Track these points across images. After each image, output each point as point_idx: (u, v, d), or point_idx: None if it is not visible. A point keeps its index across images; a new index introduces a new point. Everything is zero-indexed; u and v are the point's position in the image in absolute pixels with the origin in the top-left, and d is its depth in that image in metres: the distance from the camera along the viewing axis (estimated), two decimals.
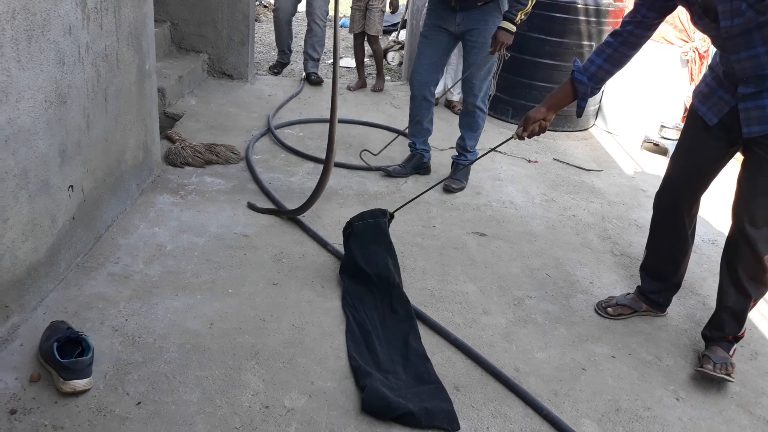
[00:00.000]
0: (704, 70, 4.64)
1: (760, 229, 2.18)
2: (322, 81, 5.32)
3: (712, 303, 2.79)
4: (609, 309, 2.62)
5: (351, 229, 2.59)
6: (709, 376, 2.26)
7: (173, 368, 2.03)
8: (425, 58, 3.43)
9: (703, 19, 2.05)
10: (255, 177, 3.37)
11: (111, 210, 2.76)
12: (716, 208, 3.53)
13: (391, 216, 2.62)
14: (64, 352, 1.89)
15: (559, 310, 2.62)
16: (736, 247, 2.26)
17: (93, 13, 2.39)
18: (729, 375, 2.26)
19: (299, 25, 7.79)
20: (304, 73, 5.43)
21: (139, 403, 1.87)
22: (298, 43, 6.31)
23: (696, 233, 3.26)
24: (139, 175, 3.04)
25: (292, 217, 2.98)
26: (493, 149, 2.88)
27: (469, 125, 3.59)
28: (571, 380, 2.22)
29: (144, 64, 2.97)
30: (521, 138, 2.40)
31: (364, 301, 2.46)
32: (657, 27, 2.27)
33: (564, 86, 2.38)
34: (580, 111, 2.41)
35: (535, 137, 2.39)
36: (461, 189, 3.57)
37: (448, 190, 3.54)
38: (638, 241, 3.27)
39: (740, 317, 2.35)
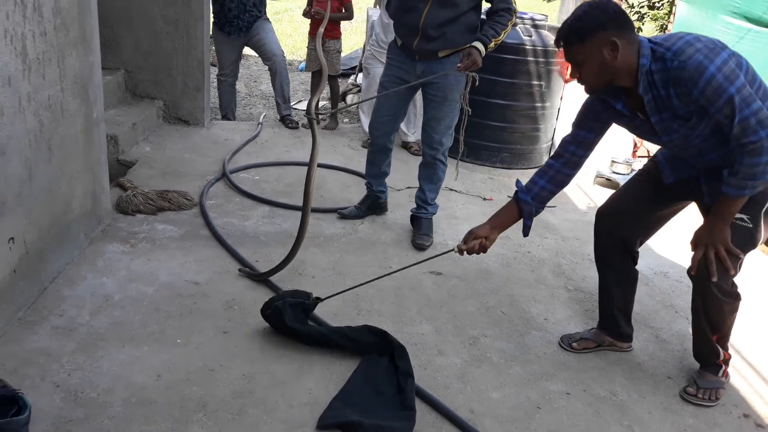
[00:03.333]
0: None
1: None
2: (298, 125, 5.32)
3: (665, 335, 2.84)
4: (574, 344, 2.65)
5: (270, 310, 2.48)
6: (687, 400, 2.41)
7: (117, 424, 1.96)
8: (385, 109, 3.39)
9: (652, 135, 2.24)
10: (208, 222, 3.33)
11: (56, 261, 2.69)
12: (666, 239, 3.60)
13: (316, 299, 2.55)
14: (0, 413, 1.81)
15: (514, 348, 2.62)
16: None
17: (35, 63, 2.37)
18: (710, 400, 2.39)
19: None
20: (262, 117, 5.45)
21: None
22: (248, 86, 6.32)
23: (648, 265, 3.33)
24: (87, 224, 2.98)
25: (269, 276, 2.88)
26: (426, 259, 2.75)
27: (429, 177, 3.51)
28: (526, 419, 2.21)
29: (91, 113, 2.94)
30: (461, 252, 2.41)
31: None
32: (596, 144, 2.41)
33: (508, 206, 2.47)
34: (526, 230, 2.47)
35: (475, 249, 2.40)
36: (431, 244, 3.48)
37: (420, 248, 3.41)
38: (592, 276, 3.30)
39: (712, 348, 2.42)
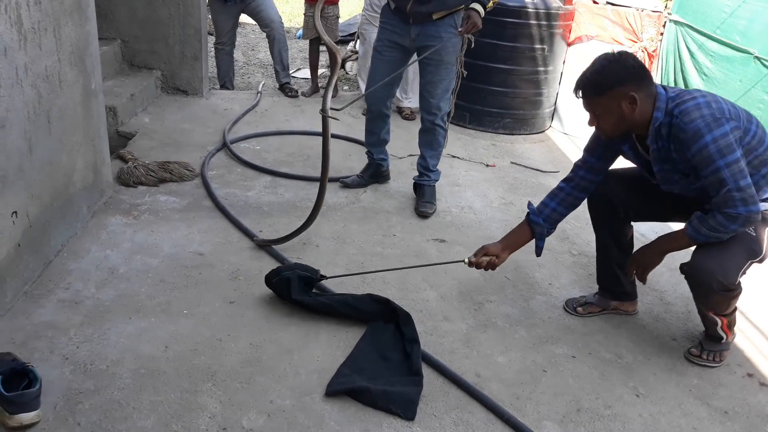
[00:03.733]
0: (654, 70, 4.73)
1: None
2: (298, 93, 5.27)
3: (670, 298, 2.85)
4: (579, 308, 2.67)
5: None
6: (692, 361, 2.42)
7: (127, 394, 1.97)
8: (379, 74, 3.32)
9: (654, 181, 2.31)
10: (210, 193, 3.32)
11: (60, 234, 2.69)
12: None
13: (322, 277, 2.55)
14: (11, 386, 1.82)
15: (518, 313, 2.63)
16: None
17: (30, 33, 2.33)
18: (714, 361, 2.41)
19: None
20: (261, 85, 5.39)
21: None
22: (247, 56, 6.24)
23: (652, 228, 3.32)
24: (89, 197, 2.97)
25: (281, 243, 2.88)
26: (436, 264, 2.72)
27: (429, 144, 3.48)
28: (533, 383, 2.23)
29: (89, 84, 2.91)
30: (471, 265, 2.45)
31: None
32: (606, 170, 2.45)
33: (521, 227, 2.50)
34: (538, 251, 2.50)
35: (483, 264, 2.44)
36: (434, 212, 3.46)
37: (424, 216, 3.40)
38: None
39: (711, 320, 2.39)
